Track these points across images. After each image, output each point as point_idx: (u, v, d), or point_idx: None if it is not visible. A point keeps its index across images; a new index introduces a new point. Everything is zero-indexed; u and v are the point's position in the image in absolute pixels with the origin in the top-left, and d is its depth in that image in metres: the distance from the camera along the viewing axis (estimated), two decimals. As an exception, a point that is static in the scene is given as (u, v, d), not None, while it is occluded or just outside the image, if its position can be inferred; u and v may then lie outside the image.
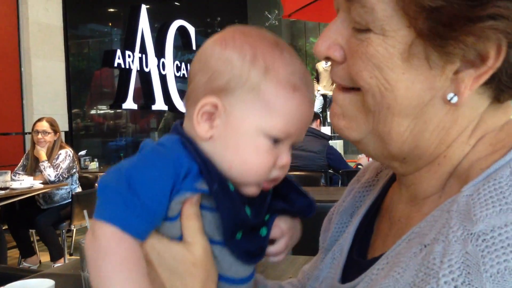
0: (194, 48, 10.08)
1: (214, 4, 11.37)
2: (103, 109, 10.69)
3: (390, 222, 0.73)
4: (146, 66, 8.55)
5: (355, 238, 0.78)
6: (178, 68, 9.58)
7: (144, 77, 8.59)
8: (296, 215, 0.79)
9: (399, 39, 0.57)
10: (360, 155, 6.72)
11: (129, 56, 8.08)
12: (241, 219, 0.69)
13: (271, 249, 0.76)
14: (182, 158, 0.68)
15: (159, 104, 8.98)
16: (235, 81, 0.69)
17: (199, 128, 0.70)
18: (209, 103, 0.70)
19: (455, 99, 0.58)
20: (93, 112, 10.87)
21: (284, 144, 0.72)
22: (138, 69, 8.35)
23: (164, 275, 0.67)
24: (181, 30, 9.56)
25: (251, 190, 0.72)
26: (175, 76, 9.42)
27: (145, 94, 8.83)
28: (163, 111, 9.58)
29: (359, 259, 0.73)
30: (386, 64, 0.58)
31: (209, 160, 0.69)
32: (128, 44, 8.28)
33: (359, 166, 5.89)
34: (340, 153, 5.67)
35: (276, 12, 10.90)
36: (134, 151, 0.72)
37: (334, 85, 0.69)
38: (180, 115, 10.05)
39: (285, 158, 0.72)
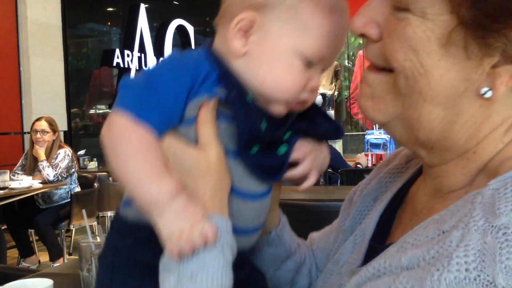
0: (193, 47, 10.06)
1: (213, 3, 11.32)
2: (102, 109, 10.68)
3: (412, 212, 0.73)
4: (145, 65, 8.55)
5: (377, 225, 0.77)
6: (177, 68, 9.58)
7: (143, 76, 8.59)
8: (322, 138, 0.79)
9: (439, 23, 0.56)
10: (359, 154, 6.71)
11: (128, 56, 8.07)
12: (254, 131, 0.70)
13: (294, 172, 0.76)
14: (203, 62, 0.70)
15: (158, 104, 8.98)
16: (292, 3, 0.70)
17: (234, 43, 0.71)
18: (247, 18, 0.70)
19: (489, 94, 0.57)
20: (92, 111, 10.86)
21: (316, 68, 0.73)
22: (137, 68, 8.34)
23: (178, 175, 0.67)
24: (180, 30, 9.55)
25: (279, 109, 0.73)
26: (174, 76, 9.42)
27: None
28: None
29: (376, 245, 0.73)
30: (423, 47, 0.57)
31: (231, 69, 0.71)
32: (127, 43, 8.27)
33: (358, 165, 5.89)
34: (339, 152, 5.67)
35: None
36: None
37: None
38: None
39: (315, 81, 0.73)
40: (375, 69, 0.65)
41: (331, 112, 10.57)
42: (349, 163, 5.81)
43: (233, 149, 0.71)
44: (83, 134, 10.31)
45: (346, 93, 11.67)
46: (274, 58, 0.71)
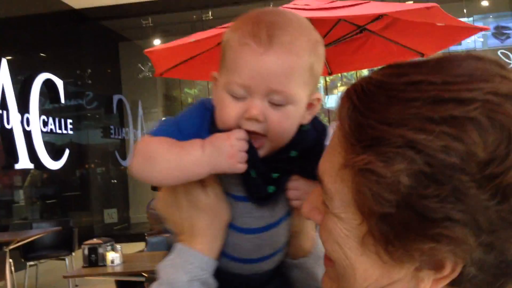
0: (62, 101, 9.62)
1: (84, 56, 10.98)
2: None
3: None
4: (8, 123, 7.96)
5: None
6: (45, 123, 9.06)
7: (6, 134, 7.97)
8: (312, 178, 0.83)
9: (353, 226, 0.57)
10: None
11: (-13, 113, 7.48)
12: (244, 176, 0.81)
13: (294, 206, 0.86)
14: (208, 111, 0.86)
15: (24, 163, 8.37)
16: (222, 53, 0.83)
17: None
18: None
19: None
20: None
21: (248, 99, 0.79)
22: (-1, 126, 7.74)
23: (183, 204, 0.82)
24: (48, 83, 9.12)
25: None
26: (42, 132, 8.89)
27: (7, 152, 8.17)
28: (28, 170, 8.90)
29: None
30: (343, 242, 0.58)
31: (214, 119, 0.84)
32: (-14, 100, 7.67)
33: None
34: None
35: (149, 64, 10.88)
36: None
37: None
38: (48, 172, 9.42)
39: (249, 110, 0.78)
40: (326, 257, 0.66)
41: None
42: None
43: (231, 192, 0.84)
44: None
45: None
46: (217, 97, 0.83)
